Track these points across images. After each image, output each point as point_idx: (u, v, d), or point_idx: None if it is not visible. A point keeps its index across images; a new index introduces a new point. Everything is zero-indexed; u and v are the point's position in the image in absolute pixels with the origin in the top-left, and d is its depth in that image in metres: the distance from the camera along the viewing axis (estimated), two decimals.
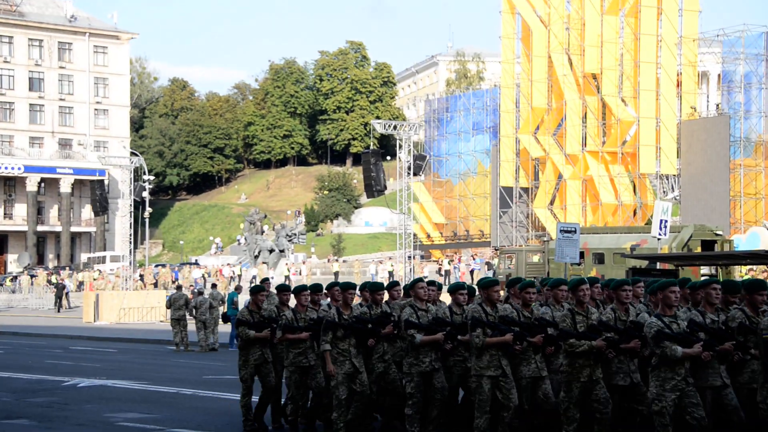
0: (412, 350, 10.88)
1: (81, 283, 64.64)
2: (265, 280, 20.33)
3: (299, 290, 12.44)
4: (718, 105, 66.18)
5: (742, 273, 33.38)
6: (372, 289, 11.89)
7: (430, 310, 11.02)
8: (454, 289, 11.57)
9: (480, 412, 10.14)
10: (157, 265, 75.12)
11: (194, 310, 28.13)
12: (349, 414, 11.17)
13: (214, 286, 34.66)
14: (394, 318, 11.34)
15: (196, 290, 30.49)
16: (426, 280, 11.98)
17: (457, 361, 11.24)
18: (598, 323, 9.85)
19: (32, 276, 68.89)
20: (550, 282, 11.32)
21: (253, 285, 13.79)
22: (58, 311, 53.53)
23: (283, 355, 12.32)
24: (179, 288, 31.06)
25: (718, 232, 36.62)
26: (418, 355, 10.83)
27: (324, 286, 12.82)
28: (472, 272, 55.39)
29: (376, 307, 11.63)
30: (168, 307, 29.60)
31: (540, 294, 11.91)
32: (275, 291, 13.50)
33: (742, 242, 41.78)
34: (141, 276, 61.89)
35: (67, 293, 57.24)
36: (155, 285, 62.29)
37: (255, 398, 12.73)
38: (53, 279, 65.71)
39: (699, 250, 33.57)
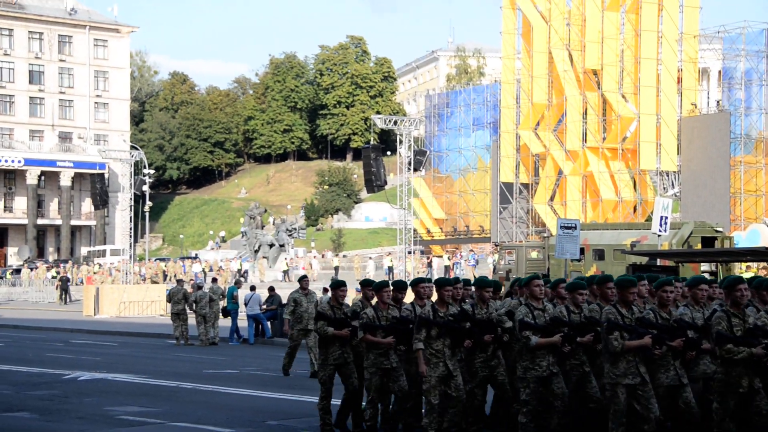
0: (527, 353, 10.10)
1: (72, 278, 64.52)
2: (304, 278, 19.81)
3: (381, 287, 11.62)
4: (718, 102, 66.18)
5: (742, 270, 33.37)
6: (479, 285, 11.20)
7: (547, 309, 10.25)
8: (573, 288, 10.58)
9: (615, 423, 9.45)
10: (157, 259, 75.15)
11: (194, 305, 28.14)
12: (445, 422, 10.52)
13: (214, 280, 34.67)
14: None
15: (196, 284, 30.48)
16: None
17: (574, 365, 10.37)
18: (754, 327, 9.18)
19: (32, 269, 68.95)
20: (689, 281, 10.43)
21: (334, 280, 12.83)
22: (65, 303, 53.77)
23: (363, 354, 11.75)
24: (179, 282, 31.05)
25: (718, 229, 36.58)
26: (534, 359, 10.08)
27: (388, 283, 11.99)
28: (451, 265, 55.49)
29: (481, 306, 10.97)
30: (168, 301, 29.64)
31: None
32: (360, 286, 12.95)
33: (742, 239, 41.77)
34: (145, 277, 61.80)
35: (59, 287, 57.44)
36: (165, 277, 62.42)
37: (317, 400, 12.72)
38: (54, 272, 65.77)
39: (699, 246, 33.54)
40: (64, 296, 55.38)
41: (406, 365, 11.22)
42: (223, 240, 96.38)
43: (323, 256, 66.03)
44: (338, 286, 12.08)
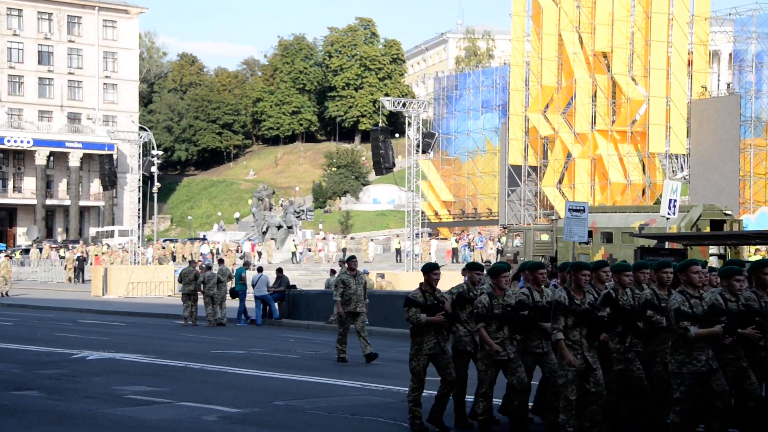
0: (683, 346, 9.23)
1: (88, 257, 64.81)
2: (352, 258, 19.15)
3: (498, 271, 10.67)
4: (728, 84, 65.86)
5: (750, 253, 33.32)
6: (626, 269, 10.35)
7: (704, 297, 9.39)
8: (728, 274, 9.65)
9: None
10: (165, 240, 75.28)
11: (202, 285, 28.20)
12: (585, 420, 9.79)
13: (221, 261, 34.70)
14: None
15: (204, 265, 30.53)
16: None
17: (730, 359, 9.50)
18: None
19: (40, 249, 69.21)
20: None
21: (426, 263, 11.98)
22: (82, 282, 54.16)
23: (459, 341, 11.26)
24: (191, 263, 31.08)
25: (727, 212, 36.49)
26: (691, 352, 9.20)
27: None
28: (471, 249, 55.39)
29: (622, 291, 10.21)
30: (179, 282, 29.66)
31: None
32: (466, 269, 12.00)
33: (751, 222, 41.68)
34: (152, 258, 61.92)
35: (75, 267, 57.80)
36: (173, 258, 62.63)
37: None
38: (62, 252, 66.00)
39: (708, 229, 33.46)
40: (80, 275, 55.99)
41: (523, 356, 10.66)
42: (237, 220, 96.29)
43: (324, 238, 66.08)
44: (431, 269, 11.18)
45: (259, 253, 59.96)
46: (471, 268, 11.62)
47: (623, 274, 10.20)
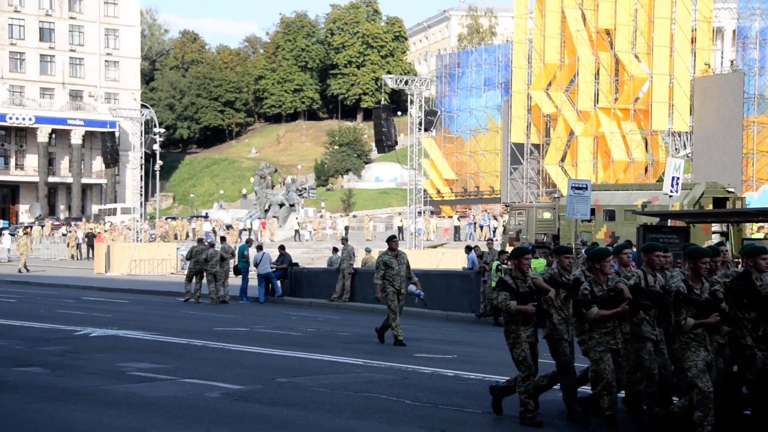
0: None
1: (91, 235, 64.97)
2: (393, 238, 18.02)
3: (602, 255, 9.95)
4: (732, 61, 65.68)
5: (753, 230, 33.31)
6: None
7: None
8: None
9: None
10: (167, 218, 75.33)
11: (206, 263, 28.24)
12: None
13: (223, 239, 34.72)
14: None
15: (207, 243, 30.53)
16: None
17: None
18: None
19: (42, 227, 69.28)
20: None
21: (515, 247, 11.10)
22: (89, 258, 54.43)
23: (555, 330, 10.56)
24: (200, 241, 31.07)
25: (730, 190, 36.47)
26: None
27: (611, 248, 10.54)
28: (481, 228, 55.40)
29: (759, 275, 9.37)
30: (188, 259, 29.59)
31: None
32: (554, 252, 11.16)
33: (754, 200, 41.69)
34: (155, 237, 61.92)
35: (79, 244, 57.87)
36: (175, 236, 62.69)
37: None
38: (65, 230, 66.04)
39: (711, 207, 33.48)
40: (89, 252, 56.23)
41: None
42: (244, 196, 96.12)
43: (321, 216, 66.19)
44: (522, 254, 10.51)
45: (247, 230, 59.83)
46: (560, 252, 10.93)
47: (700, 260, 9.33)
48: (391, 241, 17.96)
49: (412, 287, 17.96)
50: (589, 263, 10.23)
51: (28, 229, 65.63)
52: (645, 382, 9.94)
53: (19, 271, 44.49)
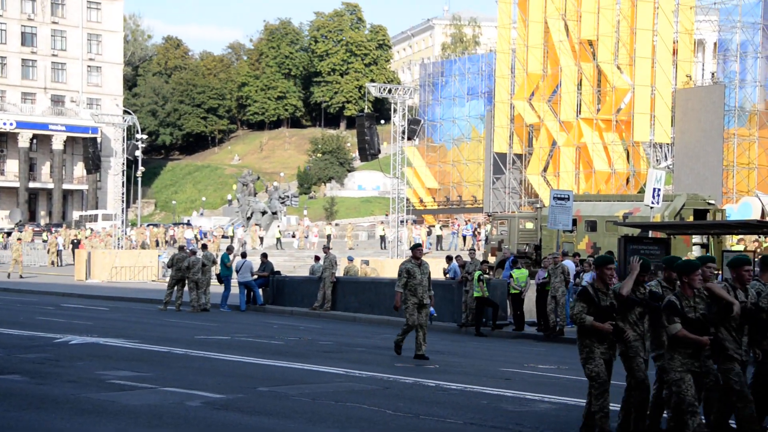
0: None
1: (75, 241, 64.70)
2: (417, 247, 17.43)
3: (690, 268, 9.20)
4: (713, 74, 66.05)
5: (733, 243, 33.46)
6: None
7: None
8: None
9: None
10: (149, 225, 75.09)
11: (188, 270, 28.17)
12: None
13: (204, 246, 34.64)
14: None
15: (188, 250, 30.47)
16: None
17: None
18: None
19: (22, 232, 68.91)
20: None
21: (598, 255, 10.50)
22: (71, 264, 54.17)
23: (630, 347, 9.86)
24: (181, 248, 30.99)
25: (710, 202, 36.62)
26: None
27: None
28: (464, 237, 55.48)
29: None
30: (170, 266, 29.49)
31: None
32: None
33: (734, 212, 41.86)
34: (136, 244, 61.63)
35: (59, 251, 57.54)
36: (156, 243, 62.42)
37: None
38: (45, 236, 65.68)
39: (691, 219, 33.59)
40: (73, 258, 56.07)
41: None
42: (229, 203, 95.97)
43: (299, 224, 66.11)
44: (604, 263, 9.72)
45: (261, 238, 59.52)
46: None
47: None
48: (416, 249, 17.23)
49: (426, 301, 17.21)
50: (666, 273, 9.94)
51: (20, 234, 65.36)
52: (738, 405, 9.40)
53: (21, 276, 44.84)
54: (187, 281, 28.37)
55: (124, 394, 11.90)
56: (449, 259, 28.43)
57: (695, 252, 32.09)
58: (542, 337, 22.74)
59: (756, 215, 41.14)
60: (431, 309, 17.87)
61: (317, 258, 30.19)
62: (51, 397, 11.47)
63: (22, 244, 53.10)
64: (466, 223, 61.01)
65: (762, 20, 55.96)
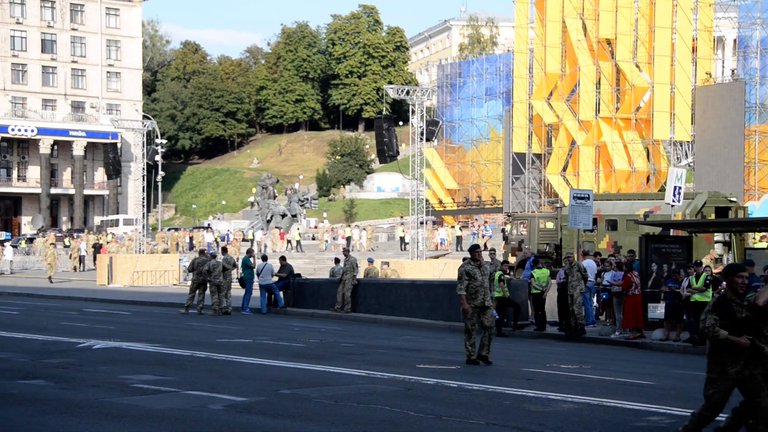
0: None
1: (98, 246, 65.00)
2: (476, 248, 16.87)
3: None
4: (733, 71, 65.78)
5: (756, 240, 33.29)
6: None
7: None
8: None
9: None
10: (170, 229, 75.37)
11: (209, 274, 28.24)
12: None
13: (224, 250, 34.73)
14: None
15: (209, 254, 30.56)
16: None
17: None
18: None
19: (45, 239, 69.32)
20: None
21: (730, 263, 9.49)
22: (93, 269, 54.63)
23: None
24: (202, 252, 31.10)
25: (732, 199, 36.44)
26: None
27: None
28: (483, 238, 55.39)
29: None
30: (190, 271, 29.58)
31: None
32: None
33: (756, 209, 41.66)
34: (155, 248, 61.84)
35: (81, 256, 57.86)
36: (177, 247, 62.65)
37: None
38: (67, 241, 66.04)
39: (713, 217, 33.45)
40: (95, 262, 56.55)
41: None
42: (252, 205, 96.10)
43: (315, 227, 66.10)
44: (736, 270, 8.92)
45: (290, 242, 59.33)
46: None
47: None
48: (475, 251, 16.71)
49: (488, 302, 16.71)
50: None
51: (20, 241, 65.88)
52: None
53: (51, 280, 46.10)
54: (208, 285, 28.45)
55: (147, 398, 11.95)
56: (466, 260, 28.37)
57: (717, 250, 31.94)
58: (564, 337, 22.67)
59: None
60: (493, 312, 17.26)
61: (337, 260, 30.22)
62: (75, 402, 11.53)
63: (55, 249, 53.87)
64: (485, 224, 60.96)
65: None
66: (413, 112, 43.74)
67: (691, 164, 57.05)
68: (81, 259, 58.07)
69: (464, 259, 17.13)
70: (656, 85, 56.51)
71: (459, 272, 16.67)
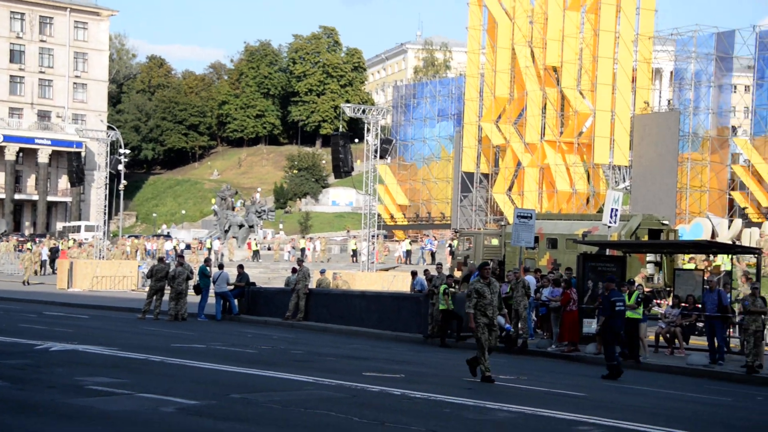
0: None
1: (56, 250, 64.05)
2: (485, 265, 16.35)
3: None
4: (669, 101, 66.75)
5: (684, 261, 33.76)
6: None
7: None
8: None
9: None
10: (130, 236, 74.63)
11: (172, 280, 28.05)
12: None
13: (181, 258, 34.46)
14: None
15: (167, 262, 30.34)
16: None
17: None
18: None
19: (6, 242, 68.23)
20: None
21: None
22: (54, 272, 53.82)
23: None
24: (161, 260, 30.92)
25: (664, 222, 36.95)
26: None
27: None
28: (433, 254, 55.50)
29: None
30: (149, 277, 29.34)
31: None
32: None
33: (686, 232, 42.22)
34: (135, 252, 61.06)
35: (43, 261, 57.11)
36: (136, 253, 61.97)
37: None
38: (29, 245, 65.05)
39: (646, 238, 33.84)
40: (52, 266, 55.76)
41: None
42: (215, 213, 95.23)
43: (265, 237, 65.78)
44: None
45: (256, 252, 58.96)
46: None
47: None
48: (484, 268, 16.18)
49: (501, 319, 16.27)
50: None
51: (16, 243, 64.95)
52: None
53: (26, 283, 46.27)
54: (169, 290, 28.25)
55: (101, 400, 11.84)
56: (413, 274, 28.52)
57: (649, 269, 32.37)
58: (504, 349, 22.82)
59: (707, 236, 41.54)
60: (508, 326, 16.71)
61: (294, 270, 30.18)
62: (31, 402, 11.40)
63: (31, 253, 53.49)
64: (435, 239, 61.09)
65: (715, 51, 56.65)
66: (368, 130, 43.83)
67: (628, 188, 57.70)
68: (42, 264, 57.28)
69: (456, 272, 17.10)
70: (598, 111, 57.17)
71: (468, 290, 16.17)
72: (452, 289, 24.20)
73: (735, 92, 67.73)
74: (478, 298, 15.63)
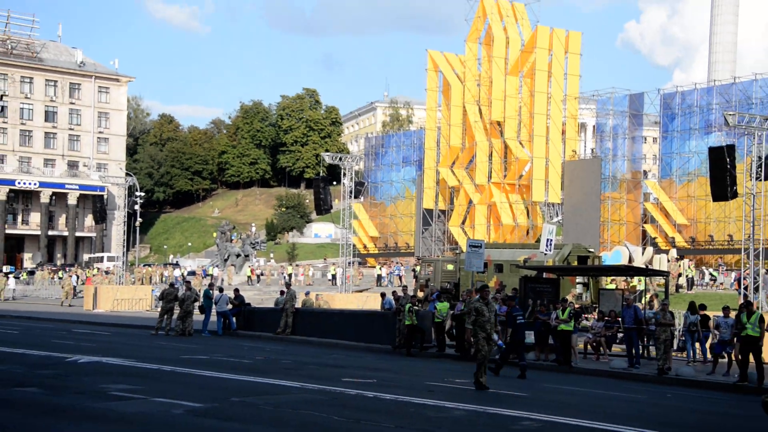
0: None
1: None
2: (485, 288, 15.81)
3: None
4: (593, 149, 67.47)
5: (607, 282, 34.00)
6: None
7: None
8: None
9: None
10: (145, 265, 73.95)
11: (182, 303, 27.91)
12: None
13: (188, 282, 34.29)
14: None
15: (176, 287, 30.14)
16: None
17: None
18: None
19: (42, 271, 67.46)
20: None
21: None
22: (75, 296, 53.29)
23: None
24: (171, 285, 30.75)
25: (590, 250, 37.20)
26: None
27: None
28: (400, 277, 55.48)
29: None
30: (161, 299, 29.14)
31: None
32: None
33: (608, 258, 42.54)
34: (134, 280, 60.42)
35: (74, 287, 56.45)
36: (150, 280, 61.36)
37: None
38: (61, 274, 64.32)
39: (576, 263, 34.08)
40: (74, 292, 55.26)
41: None
42: (217, 245, 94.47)
43: (261, 265, 65.32)
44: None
45: (257, 276, 58.33)
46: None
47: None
48: (483, 290, 15.80)
49: (494, 336, 15.88)
50: None
51: (22, 273, 64.02)
52: None
53: (66, 305, 46.45)
54: (178, 310, 28.05)
55: (121, 404, 11.74)
56: (383, 295, 28.53)
57: (578, 289, 32.54)
58: (459, 357, 22.82)
59: (624, 261, 41.88)
60: (500, 342, 16.44)
61: (282, 292, 30.05)
62: (60, 406, 11.28)
63: (71, 279, 52.92)
64: (401, 265, 61.04)
65: (628, 109, 57.46)
66: (345, 174, 43.95)
67: (560, 221, 58.12)
68: (74, 289, 56.56)
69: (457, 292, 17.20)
70: (535, 158, 57.63)
71: (468, 308, 15.94)
72: (416, 307, 24.20)
73: (645, 143, 68.65)
74: (477, 316, 15.39)
